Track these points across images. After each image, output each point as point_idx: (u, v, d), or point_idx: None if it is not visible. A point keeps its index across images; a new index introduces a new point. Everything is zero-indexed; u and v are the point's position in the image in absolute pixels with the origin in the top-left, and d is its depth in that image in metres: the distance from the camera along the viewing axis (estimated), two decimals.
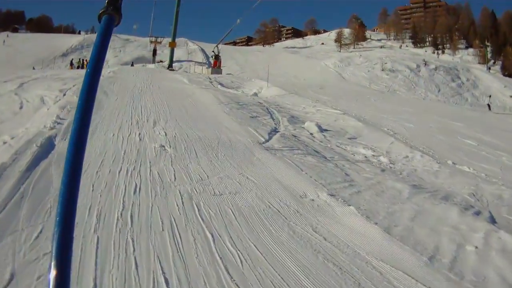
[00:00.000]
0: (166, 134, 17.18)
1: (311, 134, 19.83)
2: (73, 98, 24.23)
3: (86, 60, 72.51)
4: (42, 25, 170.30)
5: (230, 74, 61.15)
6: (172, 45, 68.17)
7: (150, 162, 13.14)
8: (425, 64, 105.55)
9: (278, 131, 19.75)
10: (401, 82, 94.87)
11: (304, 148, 16.47)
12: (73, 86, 28.72)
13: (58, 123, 17.71)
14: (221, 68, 63.06)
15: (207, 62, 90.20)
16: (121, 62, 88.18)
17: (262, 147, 15.77)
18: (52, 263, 1.05)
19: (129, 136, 16.67)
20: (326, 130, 21.42)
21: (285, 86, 44.62)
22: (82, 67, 69.44)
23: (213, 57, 65.39)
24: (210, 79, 45.83)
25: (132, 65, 74.41)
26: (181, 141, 16.14)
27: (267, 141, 17.17)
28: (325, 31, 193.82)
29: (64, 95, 25.47)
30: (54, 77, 34.65)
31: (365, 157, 16.20)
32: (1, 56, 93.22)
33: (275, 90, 39.79)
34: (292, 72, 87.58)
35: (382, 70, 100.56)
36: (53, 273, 1.04)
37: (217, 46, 66.80)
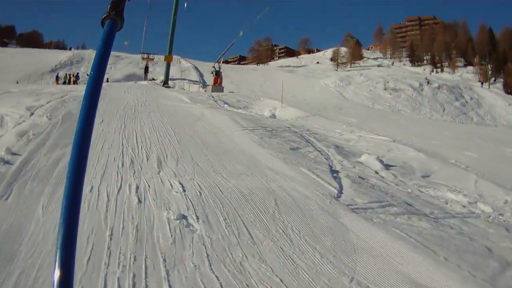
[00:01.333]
0: (183, 188, 10.19)
1: (376, 172, 14.18)
2: (42, 119, 17.50)
3: (73, 76, 65.37)
4: (32, 41, 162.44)
5: (232, 92, 53.53)
6: (168, 59, 59.90)
7: (165, 268, 6.50)
8: (428, 83, 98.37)
9: (338, 171, 13.20)
10: (404, 102, 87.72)
11: (393, 200, 10.71)
12: (47, 103, 21.90)
13: (5, 162, 11.06)
14: (222, 85, 55.36)
15: (201, 81, 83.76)
16: (112, 80, 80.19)
17: (344, 207, 9.54)
18: (56, 264, 1.03)
19: (119, 192, 9.68)
20: (389, 165, 15.39)
21: (299, 106, 38.06)
22: (69, 82, 62.04)
23: (214, 73, 57.46)
24: (213, 97, 38.64)
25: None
26: (214, 204, 9.28)
27: (340, 192, 10.81)
28: (318, 50, 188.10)
29: (32, 114, 18.62)
30: (31, 92, 28.26)
31: (463, 206, 11.45)
32: None
33: (293, 111, 33.32)
34: (291, 92, 78.39)
35: (385, 89, 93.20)
36: (57, 273, 1.03)
37: (217, 61, 59.06)
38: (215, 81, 55.06)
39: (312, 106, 45.28)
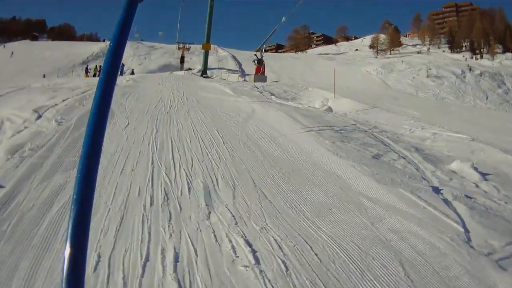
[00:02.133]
0: (254, 256, 5.92)
1: (476, 185, 10.36)
2: (49, 125, 13.74)
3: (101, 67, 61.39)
4: (64, 34, 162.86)
5: (276, 81, 49.17)
6: (206, 47, 55.07)
7: None
8: (470, 70, 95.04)
9: (440, 189, 9.34)
10: (448, 89, 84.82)
11: None
12: (62, 101, 18.30)
13: None
14: (265, 74, 50.83)
15: (240, 70, 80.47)
16: (146, 70, 76.76)
17: (488, 262, 5.77)
18: (68, 241, 1.01)
19: (144, 270, 5.44)
20: (484, 174, 11.30)
21: (352, 97, 33.71)
22: (100, 74, 58.15)
23: (256, 62, 52.04)
24: (257, 88, 34.67)
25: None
26: None
27: (466, 229, 6.93)
28: (355, 37, 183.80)
29: (39, 117, 15.06)
30: (50, 88, 25.38)
31: None
32: (16, 65, 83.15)
33: (349, 103, 29.12)
34: (332, 80, 75.61)
35: (427, 76, 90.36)
36: (68, 251, 1.00)
37: (260, 49, 54.03)
38: (257, 70, 50.31)
39: (363, 95, 41.01)
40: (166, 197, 7.79)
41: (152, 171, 9.29)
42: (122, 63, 64.20)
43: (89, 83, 30.04)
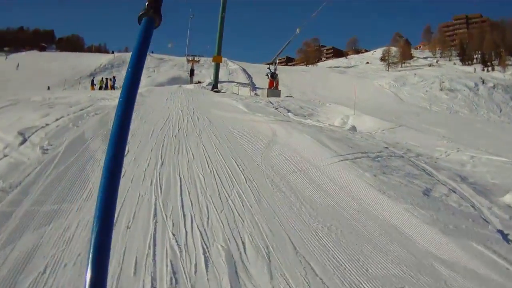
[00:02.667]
0: None
1: None
2: (32, 153, 11.44)
3: (109, 80, 59.03)
4: (72, 45, 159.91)
5: (290, 96, 46.57)
6: (217, 60, 52.47)
7: None
8: (483, 83, 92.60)
9: (504, 233, 7.83)
10: (461, 103, 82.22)
11: None
12: (56, 120, 16.25)
13: None
14: (279, 89, 48.16)
15: (251, 83, 77.70)
16: (155, 83, 74.12)
17: None
18: (89, 265, 0.98)
19: None
20: None
21: (369, 112, 31.69)
22: (106, 87, 56.03)
23: (269, 76, 49.87)
24: (271, 103, 32.46)
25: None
26: None
27: None
28: (365, 50, 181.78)
29: (23, 142, 12.55)
30: (52, 102, 24.50)
31: None
32: (22, 76, 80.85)
33: (372, 121, 26.86)
34: (346, 94, 73.45)
35: (441, 89, 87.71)
36: (89, 275, 0.98)
37: (273, 62, 51.29)
38: (271, 85, 47.65)
39: (380, 110, 39.08)
40: (173, 281, 5.31)
41: (155, 230, 6.78)
42: (113, 77, 62.24)
43: (92, 97, 28.14)
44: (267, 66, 51.38)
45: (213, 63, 56.31)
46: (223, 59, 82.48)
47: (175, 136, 14.61)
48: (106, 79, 59.97)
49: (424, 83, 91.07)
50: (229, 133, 15.77)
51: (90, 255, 0.98)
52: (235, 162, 11.30)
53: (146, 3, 1.36)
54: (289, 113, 28.15)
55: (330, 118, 28.51)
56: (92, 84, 58.75)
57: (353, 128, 23.00)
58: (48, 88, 56.26)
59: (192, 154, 12.06)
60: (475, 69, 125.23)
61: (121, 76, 75.94)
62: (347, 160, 11.90)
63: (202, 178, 9.76)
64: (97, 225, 1.01)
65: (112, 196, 1.06)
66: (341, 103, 35.19)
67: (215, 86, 50.06)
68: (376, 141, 17.26)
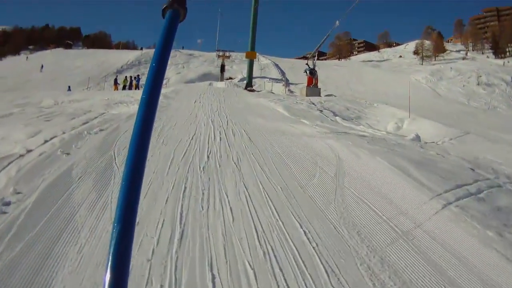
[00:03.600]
0: None
1: None
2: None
3: (134, 78, 54.70)
4: (99, 42, 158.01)
5: (331, 95, 42.07)
6: (251, 56, 47.60)
7: None
8: None
9: None
10: (499, 98, 77.11)
11: None
12: (44, 143, 12.14)
13: None
14: (319, 86, 43.28)
15: (284, 79, 71.78)
16: (184, 80, 72.02)
17: None
18: (109, 264, 0.95)
19: None
20: None
21: (423, 113, 28.34)
22: (130, 87, 51.86)
23: (308, 72, 44.52)
24: (313, 104, 28.84)
25: None
26: None
27: None
28: (397, 44, 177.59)
29: None
30: (60, 109, 21.54)
31: None
32: (46, 75, 79.32)
33: (431, 126, 23.55)
34: (382, 89, 72.19)
35: (478, 84, 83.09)
36: (108, 276, 0.94)
37: (313, 56, 46.49)
38: (310, 82, 42.38)
39: (423, 108, 35.62)
40: None
41: None
42: (138, 76, 57.97)
43: (110, 100, 25.19)
44: (305, 62, 46.05)
45: (246, 60, 52.14)
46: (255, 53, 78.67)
47: (203, 169, 10.27)
48: (131, 77, 55.66)
49: (461, 78, 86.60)
50: (278, 158, 11.56)
51: (110, 256, 0.94)
52: (300, 226, 7.06)
53: None
54: (337, 117, 24.38)
55: (381, 121, 25.27)
56: (116, 83, 54.14)
57: (417, 138, 18.95)
58: (69, 88, 52.70)
59: (231, 210, 7.71)
60: (506, 61, 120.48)
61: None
62: (451, 204, 8.16)
63: (252, 274, 5.56)
64: (118, 229, 0.97)
65: (133, 208, 1.00)
66: (387, 102, 31.42)
67: (249, 84, 45.38)
68: (456, 160, 13.10)
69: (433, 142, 19.08)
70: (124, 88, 51.48)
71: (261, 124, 17.40)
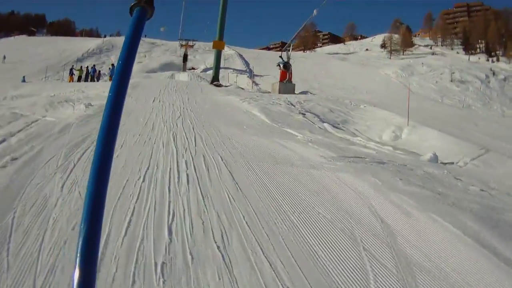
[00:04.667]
0: None
1: None
2: None
3: (89, 68, 48.53)
4: (63, 29, 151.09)
5: (306, 92, 36.67)
6: (219, 46, 40.65)
7: None
8: (494, 74, 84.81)
9: None
10: (473, 95, 74.58)
11: None
12: None
13: None
14: (293, 82, 36.86)
15: (248, 70, 67.86)
16: (146, 70, 66.75)
17: None
18: (77, 262, 0.94)
19: None
20: None
21: (425, 120, 22.88)
22: (86, 78, 45.74)
23: (281, 66, 38.20)
24: (292, 105, 23.94)
25: None
26: None
27: None
28: (362, 37, 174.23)
29: None
30: None
31: None
32: (7, 62, 72.38)
33: (440, 138, 18.22)
34: (351, 83, 67.78)
35: (451, 80, 79.65)
36: (77, 273, 0.93)
37: (287, 48, 39.25)
38: (283, 76, 36.45)
39: (436, 116, 29.23)
40: None
41: None
42: (113, 64, 52.13)
43: (57, 97, 21.24)
44: (279, 55, 39.97)
45: (210, 49, 46.80)
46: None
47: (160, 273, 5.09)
48: (87, 67, 49.32)
49: (433, 74, 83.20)
50: (287, 225, 6.41)
51: (78, 253, 0.93)
52: None
53: None
54: (325, 124, 19.64)
55: (372, 127, 20.65)
56: (71, 73, 47.44)
57: (434, 158, 14.35)
58: (23, 78, 47.12)
59: None
60: (479, 58, 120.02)
61: (110, 62, 67.67)
62: None
63: None
64: (86, 221, 0.95)
65: (101, 196, 0.99)
66: (373, 103, 27.24)
67: (215, 78, 39.23)
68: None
69: (452, 163, 14.58)
70: (79, 79, 45.50)
71: (241, 141, 12.28)
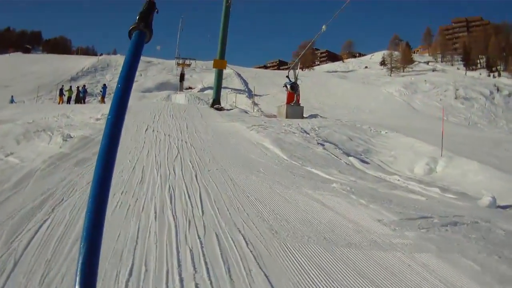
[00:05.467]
0: None
1: None
2: None
3: (80, 88, 44.69)
4: (59, 47, 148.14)
5: (316, 115, 32.37)
6: (220, 66, 35.38)
7: None
8: (498, 90, 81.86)
9: None
10: (479, 113, 71.33)
11: None
12: None
13: None
14: (301, 104, 32.09)
15: (247, 90, 66.85)
16: (141, 89, 65.15)
17: None
18: (77, 282, 0.92)
19: None
20: None
21: (455, 148, 19.39)
22: (78, 99, 42.04)
23: (288, 86, 32.97)
24: (306, 132, 20.59)
25: None
26: None
27: None
28: (360, 54, 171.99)
29: None
30: None
31: None
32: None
33: (482, 171, 14.87)
34: (353, 102, 65.59)
35: (456, 98, 76.72)
36: (78, 278, 0.92)
37: (294, 68, 36.50)
38: (291, 99, 32.19)
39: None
40: None
41: None
42: (104, 84, 48.67)
43: (37, 124, 17.51)
44: (286, 74, 35.49)
45: (207, 68, 43.21)
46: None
47: None
48: (78, 87, 45.16)
49: (436, 91, 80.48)
50: None
51: (77, 273, 0.92)
52: None
53: (137, 17, 1.30)
54: (350, 158, 16.53)
55: (399, 158, 17.69)
56: (61, 94, 43.48)
57: (493, 202, 10.95)
58: (12, 98, 45.01)
59: None
60: (480, 74, 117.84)
61: (105, 80, 64.88)
62: None
63: None
64: (85, 247, 0.94)
65: (99, 230, 0.98)
66: (395, 128, 24.14)
67: (216, 101, 34.95)
68: None
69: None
70: (69, 100, 41.84)
71: (264, 198, 8.66)
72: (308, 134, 20.10)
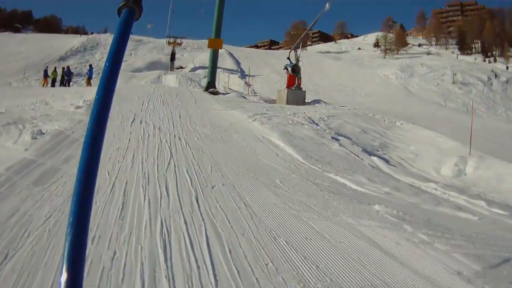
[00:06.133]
0: None
1: None
2: None
3: (64, 69, 40.95)
4: (50, 26, 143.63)
5: (319, 101, 29.14)
6: (216, 45, 31.59)
7: None
8: (496, 76, 79.93)
9: None
10: (477, 99, 67.78)
11: None
12: None
13: None
14: (302, 88, 29.45)
15: (239, 69, 64.24)
16: (131, 69, 62.12)
17: None
18: (64, 266, 0.91)
19: None
20: None
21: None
22: (63, 82, 39.11)
23: (289, 69, 29.98)
24: (315, 124, 18.10)
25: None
26: None
27: None
28: (352, 35, 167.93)
29: None
30: None
31: None
32: None
33: None
34: (348, 84, 63.15)
35: (453, 82, 74.87)
36: (64, 276, 0.90)
37: (295, 49, 32.83)
38: (291, 82, 29.49)
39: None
40: None
41: None
42: (91, 65, 45.68)
43: (10, 113, 15.55)
44: (287, 56, 32.09)
45: (198, 48, 40.34)
46: (204, 41, 67.95)
47: None
48: (63, 68, 41.25)
49: (433, 75, 78.42)
50: None
51: (65, 256, 0.90)
52: None
53: None
54: (374, 159, 13.76)
55: (421, 156, 15.35)
56: (46, 76, 40.68)
57: None
58: None
59: None
60: (475, 58, 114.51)
61: (94, 60, 62.61)
62: None
63: None
64: (73, 225, 0.92)
65: (88, 199, 0.95)
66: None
67: (211, 84, 31.62)
68: None
69: None
70: (53, 82, 38.72)
71: (292, 238, 5.95)
72: (318, 125, 17.65)
